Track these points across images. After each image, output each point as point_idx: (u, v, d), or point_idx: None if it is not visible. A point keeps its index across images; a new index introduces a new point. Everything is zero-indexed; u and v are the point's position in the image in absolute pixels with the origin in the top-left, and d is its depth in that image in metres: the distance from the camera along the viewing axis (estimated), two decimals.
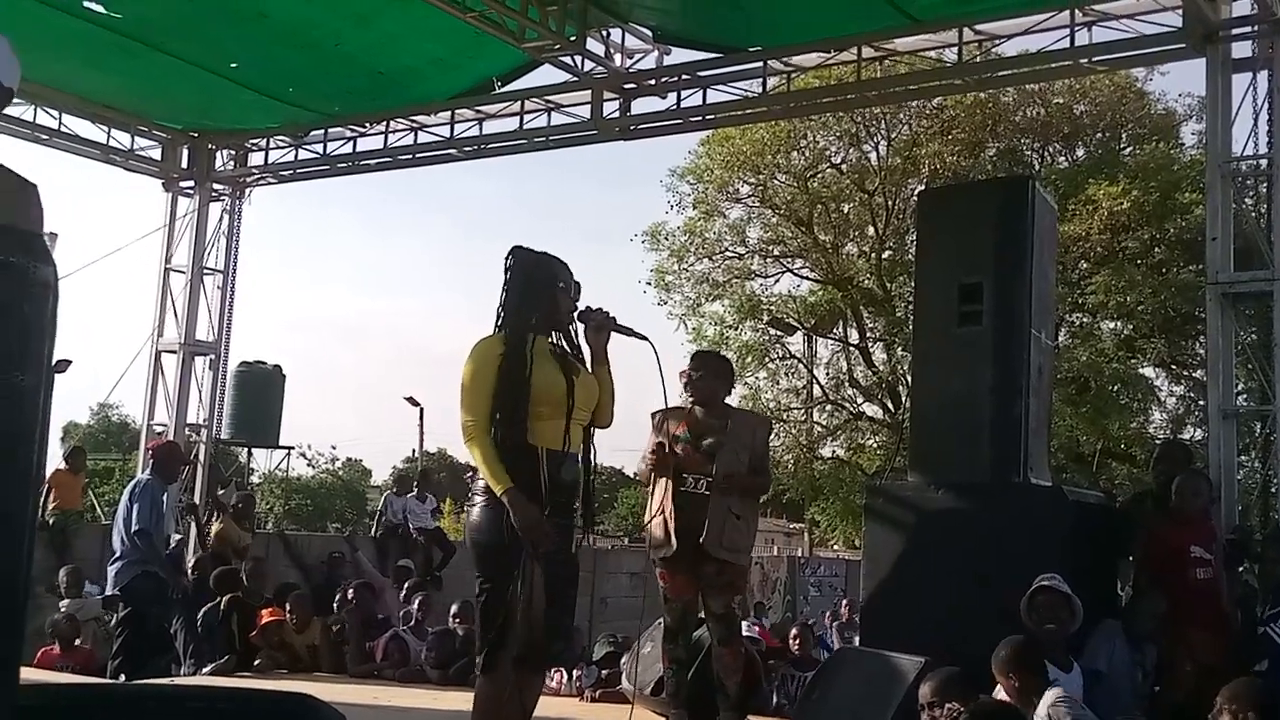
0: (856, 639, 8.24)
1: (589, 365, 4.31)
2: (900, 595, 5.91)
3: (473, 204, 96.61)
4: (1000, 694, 4.53)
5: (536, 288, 4.25)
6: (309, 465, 41.61)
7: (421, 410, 32.55)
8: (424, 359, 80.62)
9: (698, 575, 5.62)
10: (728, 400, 5.94)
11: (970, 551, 5.69)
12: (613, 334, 4.33)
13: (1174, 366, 21.27)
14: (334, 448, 47.66)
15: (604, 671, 7.16)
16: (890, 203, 21.55)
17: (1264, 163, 6.56)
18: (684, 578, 5.62)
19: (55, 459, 12.01)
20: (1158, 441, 17.66)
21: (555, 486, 4.05)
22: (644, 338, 4.27)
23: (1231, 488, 6.39)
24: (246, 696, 2.53)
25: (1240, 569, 6.17)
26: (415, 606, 9.09)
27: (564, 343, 4.33)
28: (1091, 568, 5.81)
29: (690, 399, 5.73)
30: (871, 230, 22.68)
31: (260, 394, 16.41)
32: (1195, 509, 5.94)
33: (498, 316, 4.28)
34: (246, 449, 21.88)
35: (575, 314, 4.30)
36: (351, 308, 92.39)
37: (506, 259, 4.34)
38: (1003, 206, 6.28)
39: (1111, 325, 21.90)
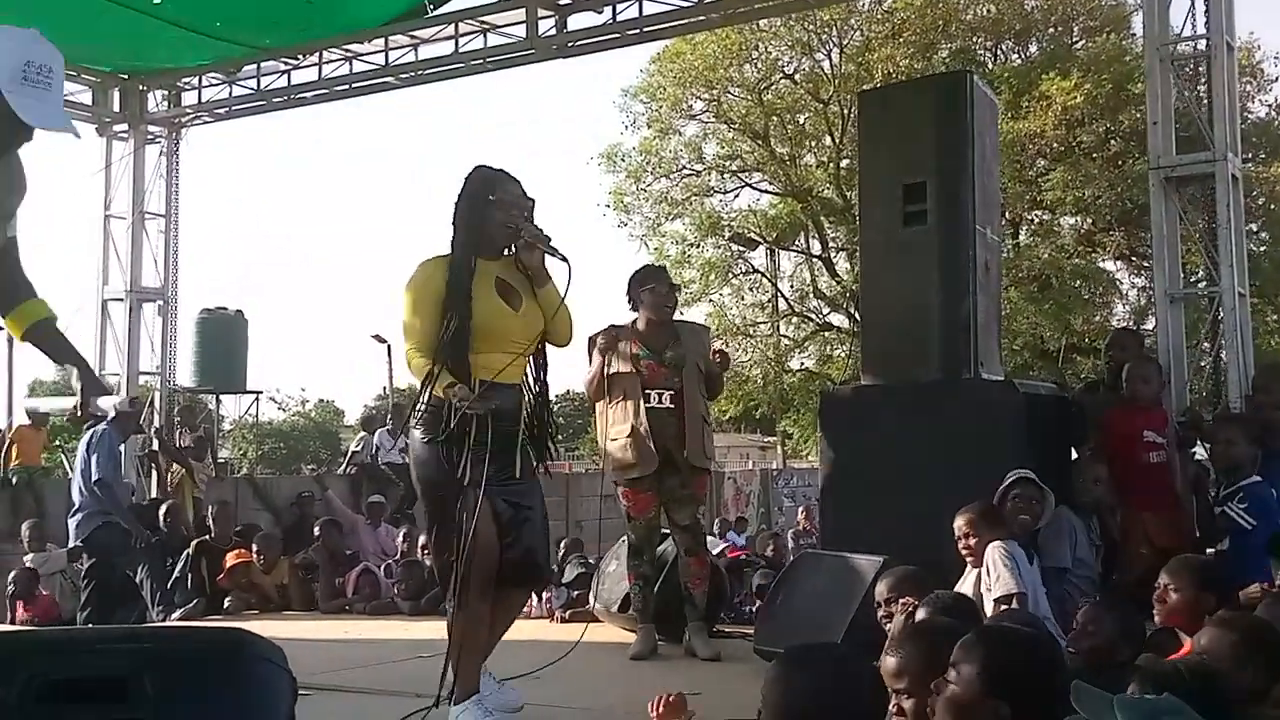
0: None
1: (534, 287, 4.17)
2: (857, 498, 5.93)
3: (431, 129, 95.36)
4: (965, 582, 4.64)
5: (475, 204, 4.11)
6: (280, 409, 41.50)
7: (389, 347, 32.38)
8: (390, 292, 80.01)
9: (661, 490, 5.67)
10: None
11: (923, 450, 5.69)
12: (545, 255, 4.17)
13: (1133, 258, 21.39)
14: (303, 389, 47.50)
15: (574, 593, 7.22)
16: (846, 111, 21.39)
17: (1202, 44, 6.49)
18: (648, 495, 5.69)
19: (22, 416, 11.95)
20: None
21: (496, 415, 3.98)
22: (564, 259, 4.15)
23: (1181, 371, 6.41)
24: (179, 635, 2.48)
25: (1192, 451, 6.22)
26: (400, 540, 9.12)
27: (514, 264, 4.19)
28: (1045, 459, 5.83)
29: (656, 316, 5.71)
30: (829, 140, 22.57)
31: (224, 340, 16.36)
32: (1147, 395, 5.97)
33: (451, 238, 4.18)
34: (215, 396, 21.82)
35: (511, 231, 4.13)
36: (313, 245, 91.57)
37: (464, 179, 4.21)
38: (942, 104, 6.19)
39: (1070, 221, 21.99)
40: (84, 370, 3.46)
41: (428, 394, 4.03)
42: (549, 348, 4.32)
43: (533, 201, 4.18)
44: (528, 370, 4.25)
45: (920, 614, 3.67)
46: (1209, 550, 5.55)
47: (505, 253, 4.19)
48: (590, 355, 5.78)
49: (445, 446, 3.96)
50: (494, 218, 4.10)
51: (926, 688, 2.50)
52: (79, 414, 3.48)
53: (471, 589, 3.98)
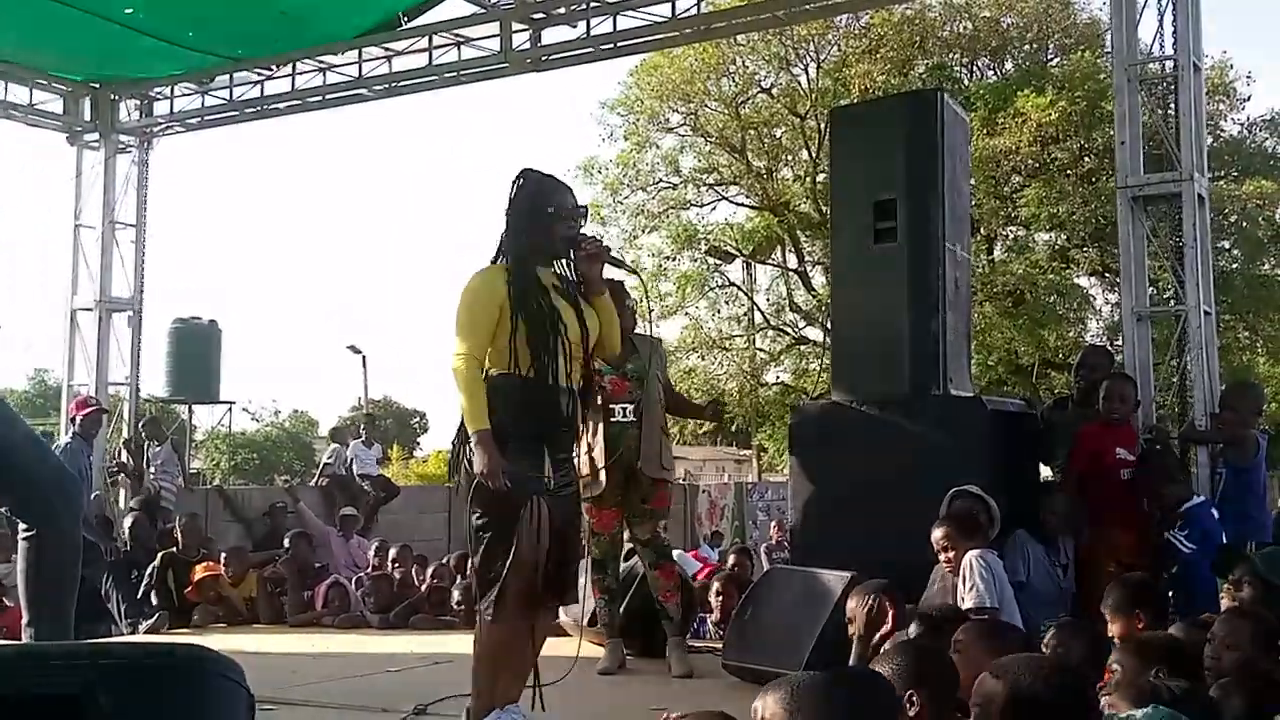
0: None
1: (586, 296, 4.15)
2: (826, 514, 5.95)
3: (411, 143, 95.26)
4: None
5: (535, 214, 4.07)
6: (253, 419, 41.25)
7: (364, 357, 32.39)
8: (365, 305, 79.79)
9: (626, 505, 5.66)
10: None
11: (891, 465, 5.72)
12: (606, 264, 4.18)
13: (1107, 274, 21.52)
14: (274, 400, 47.25)
15: None
16: (822, 125, 21.42)
17: (1170, 64, 6.55)
18: (611, 511, 5.67)
19: None
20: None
21: (560, 421, 3.98)
22: (635, 271, 4.16)
23: (1147, 388, 6.46)
24: (135, 651, 2.45)
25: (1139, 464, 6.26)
26: (371, 553, 9.07)
27: (563, 273, 4.15)
28: (1011, 475, 5.87)
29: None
30: (805, 154, 22.66)
31: (197, 350, 16.23)
32: (1123, 412, 6.02)
33: (499, 246, 4.13)
34: (187, 406, 21.66)
35: (571, 242, 4.12)
36: (287, 256, 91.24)
37: (513, 183, 4.16)
38: (912, 121, 6.24)
39: (1045, 237, 22.12)
40: None
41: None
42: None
43: (585, 209, 4.21)
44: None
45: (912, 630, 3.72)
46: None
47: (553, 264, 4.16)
48: None
49: (507, 455, 3.85)
50: (555, 229, 4.08)
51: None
52: None
53: (513, 602, 3.88)
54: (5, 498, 3.57)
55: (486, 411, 3.85)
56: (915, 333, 5.99)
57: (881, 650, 2.86)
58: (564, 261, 4.15)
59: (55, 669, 2.33)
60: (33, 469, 3.62)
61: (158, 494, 10.78)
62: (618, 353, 4.33)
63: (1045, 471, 6.71)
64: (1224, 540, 5.63)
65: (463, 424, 3.97)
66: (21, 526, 3.48)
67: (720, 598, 6.74)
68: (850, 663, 4.15)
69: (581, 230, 4.15)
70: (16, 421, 3.84)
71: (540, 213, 4.07)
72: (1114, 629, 3.97)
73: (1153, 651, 3.22)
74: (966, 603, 4.55)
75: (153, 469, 11.15)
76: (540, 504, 3.87)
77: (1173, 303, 6.66)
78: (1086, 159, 20.64)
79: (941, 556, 4.80)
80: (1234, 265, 21.11)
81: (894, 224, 6.06)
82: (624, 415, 5.57)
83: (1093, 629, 3.89)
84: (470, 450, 3.89)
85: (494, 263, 4.10)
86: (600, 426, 5.52)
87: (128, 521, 9.17)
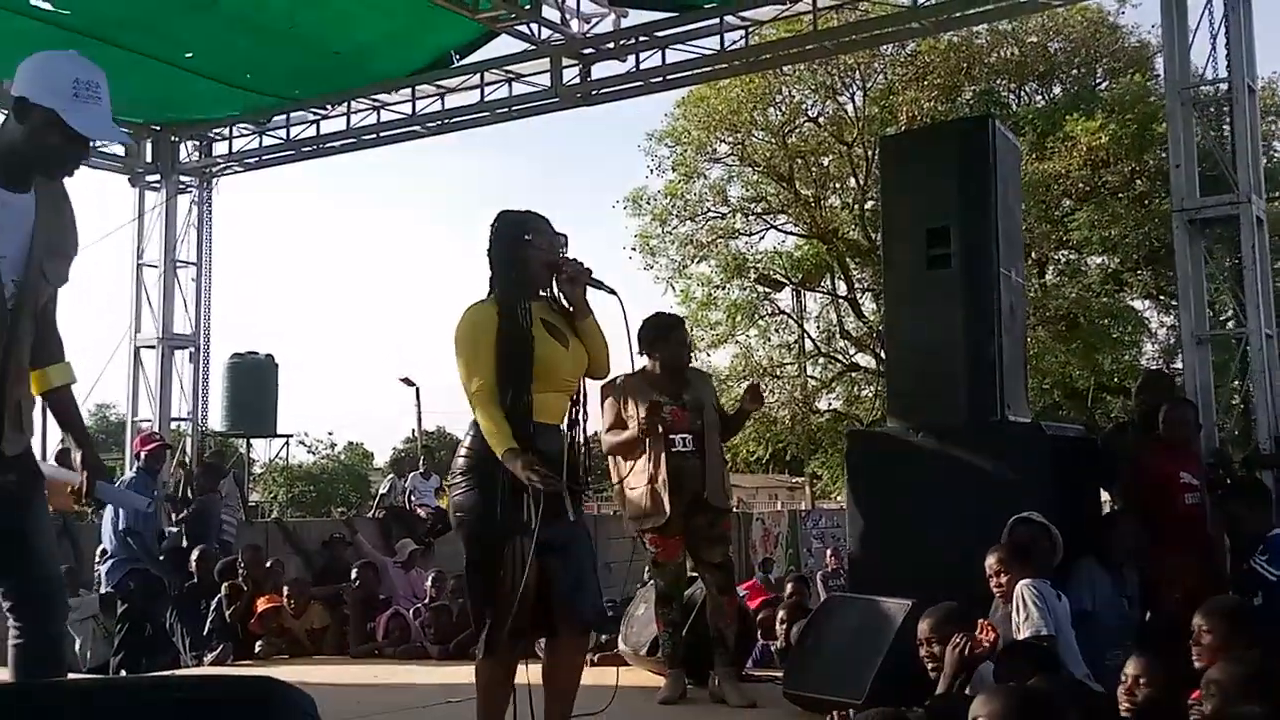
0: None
1: (574, 321, 4.16)
2: (885, 541, 5.92)
3: (462, 178, 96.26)
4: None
5: (513, 246, 4.11)
6: (309, 452, 41.61)
7: (418, 390, 32.58)
8: (419, 338, 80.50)
9: (688, 532, 5.66)
10: None
11: (951, 492, 5.68)
12: (587, 287, 4.16)
13: (1161, 297, 21.27)
14: (330, 433, 47.66)
15: (603, 636, 7.18)
16: (870, 153, 21.44)
17: (1224, 86, 6.51)
18: (675, 540, 5.67)
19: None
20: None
21: (543, 459, 3.94)
22: (613, 291, 4.17)
23: (1209, 412, 6.39)
24: (208, 683, 2.50)
25: (1220, 493, 6.18)
26: (429, 584, 9.12)
27: (551, 302, 4.17)
28: (1072, 502, 5.81)
29: (673, 364, 5.75)
30: (853, 182, 22.62)
31: (254, 384, 16.44)
32: (1184, 437, 5.95)
33: (490, 284, 4.18)
34: (245, 440, 21.96)
35: (552, 267, 4.12)
36: (344, 290, 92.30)
37: (491, 226, 4.21)
38: (964, 148, 6.23)
39: (1097, 260, 21.91)
40: (88, 451, 3.47)
41: (470, 440, 4.04)
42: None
43: (565, 237, 4.19)
44: (566, 410, 4.20)
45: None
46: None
47: (541, 293, 4.19)
48: (603, 406, 5.79)
49: (489, 493, 3.92)
50: (534, 257, 4.10)
51: None
52: (82, 498, 3.49)
53: (500, 635, 3.94)
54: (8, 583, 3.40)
55: (510, 432, 3.90)
56: (972, 359, 5.96)
57: (978, 696, 2.84)
58: (548, 288, 4.15)
59: (137, 702, 2.39)
60: (48, 563, 3.53)
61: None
62: (607, 374, 4.30)
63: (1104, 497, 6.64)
64: None
65: (460, 467, 4.06)
66: (12, 632, 3.32)
67: (785, 625, 6.72)
68: (940, 687, 4.13)
69: (564, 256, 4.14)
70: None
71: (518, 242, 4.09)
72: (1203, 655, 3.85)
73: (1247, 678, 3.17)
74: (1023, 632, 4.52)
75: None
76: (521, 543, 3.87)
77: (1231, 325, 6.59)
78: (1138, 182, 20.46)
79: (993, 583, 4.78)
80: None
81: (948, 250, 6.04)
82: (684, 445, 5.60)
83: (1171, 659, 3.82)
84: (455, 493, 4.02)
85: (484, 300, 4.13)
86: (663, 457, 5.56)
87: (194, 555, 9.30)
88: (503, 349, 3.96)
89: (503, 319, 4.01)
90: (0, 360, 3.21)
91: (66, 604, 3.67)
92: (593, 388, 4.42)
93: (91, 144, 3.27)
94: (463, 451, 4.08)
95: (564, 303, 4.16)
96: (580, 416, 4.20)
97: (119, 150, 11.43)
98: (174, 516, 9.95)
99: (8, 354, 3.22)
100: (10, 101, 3.18)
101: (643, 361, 5.76)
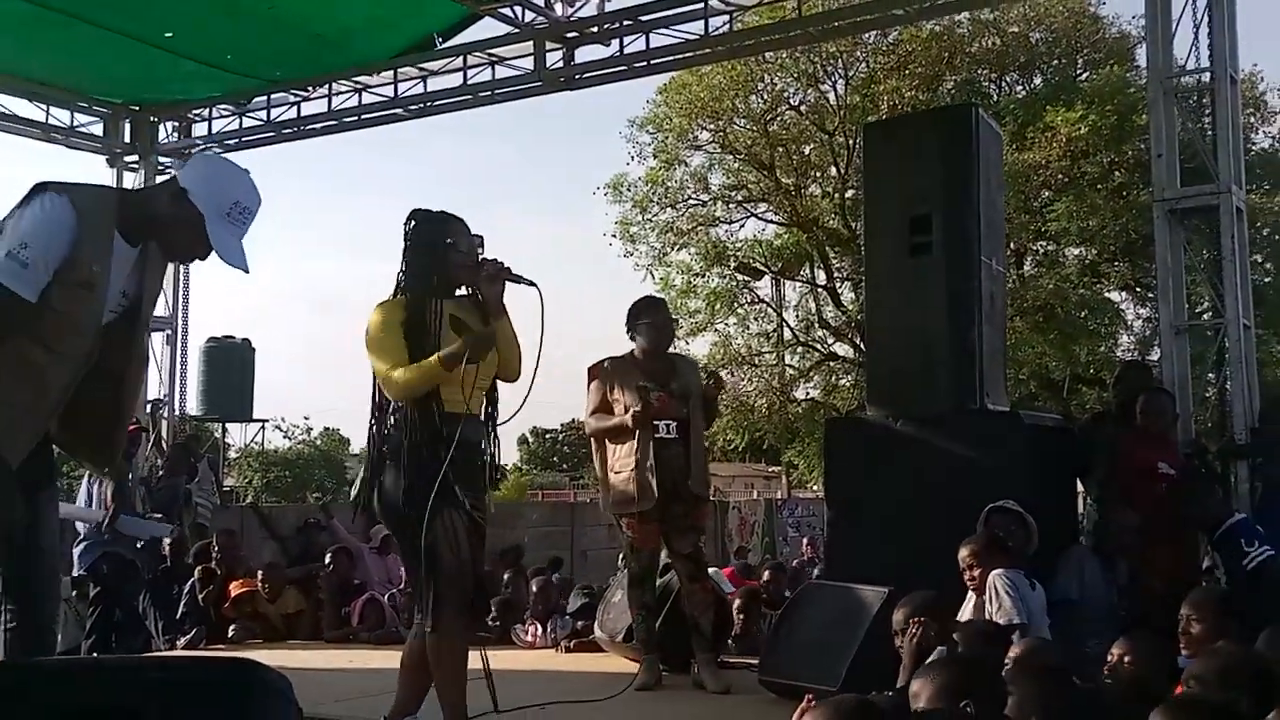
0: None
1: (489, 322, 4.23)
2: (861, 529, 5.93)
3: (446, 163, 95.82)
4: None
5: (428, 249, 4.22)
6: (285, 437, 41.48)
7: None
8: None
9: (665, 520, 5.67)
10: None
11: (928, 480, 5.70)
12: (507, 283, 4.23)
13: (1138, 289, 21.40)
14: (307, 418, 47.49)
15: (579, 623, 7.19)
16: (851, 142, 21.43)
17: (1206, 76, 6.53)
18: (653, 526, 5.68)
19: None
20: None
21: (460, 444, 4.06)
22: (533, 284, 4.20)
23: (1186, 403, 6.42)
24: (188, 665, 2.49)
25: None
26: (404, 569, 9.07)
27: (468, 301, 4.28)
28: (1051, 491, 5.83)
29: (654, 347, 5.75)
30: (834, 170, 22.62)
31: (231, 369, 16.36)
32: (1161, 427, 5.98)
33: (397, 282, 4.26)
34: (221, 424, 21.85)
35: (471, 270, 4.23)
36: (321, 275, 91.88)
37: (405, 223, 4.30)
38: (947, 136, 6.23)
39: (1075, 251, 22.00)
40: (119, 486, 3.54)
41: (393, 418, 4.16)
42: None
43: (481, 238, 4.28)
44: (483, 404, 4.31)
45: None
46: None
47: (458, 292, 4.29)
48: (589, 389, 5.79)
49: (411, 473, 4.04)
50: (453, 259, 4.21)
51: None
52: (105, 532, 3.56)
53: (449, 609, 4.03)
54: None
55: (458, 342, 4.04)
56: (952, 347, 5.96)
57: (927, 663, 2.85)
58: (467, 289, 4.28)
59: (113, 681, 2.38)
60: (51, 555, 3.62)
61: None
62: (516, 378, 4.34)
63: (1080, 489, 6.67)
64: None
65: (369, 462, 4.25)
66: (5, 618, 3.44)
67: (742, 616, 6.73)
68: (900, 678, 4.14)
69: (481, 256, 4.24)
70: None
71: (438, 247, 4.20)
72: (1191, 645, 3.86)
73: (1234, 666, 3.17)
74: (996, 620, 4.53)
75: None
76: (453, 516, 4.02)
77: (1209, 316, 6.62)
78: (1117, 173, 20.53)
79: (966, 576, 4.77)
80: (1267, 279, 20.92)
81: (930, 238, 6.04)
82: (667, 431, 5.61)
83: (1158, 639, 3.82)
84: (385, 478, 4.12)
85: (393, 298, 4.23)
86: (650, 443, 5.55)
87: (167, 539, 9.23)
88: (412, 345, 4.08)
89: (409, 317, 4.12)
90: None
91: (60, 595, 3.75)
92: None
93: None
94: (384, 449, 4.18)
95: (481, 299, 4.25)
96: (489, 413, 4.33)
97: (97, 130, 11.33)
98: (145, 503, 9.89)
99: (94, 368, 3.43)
100: (176, 183, 3.43)
101: (630, 346, 5.79)
